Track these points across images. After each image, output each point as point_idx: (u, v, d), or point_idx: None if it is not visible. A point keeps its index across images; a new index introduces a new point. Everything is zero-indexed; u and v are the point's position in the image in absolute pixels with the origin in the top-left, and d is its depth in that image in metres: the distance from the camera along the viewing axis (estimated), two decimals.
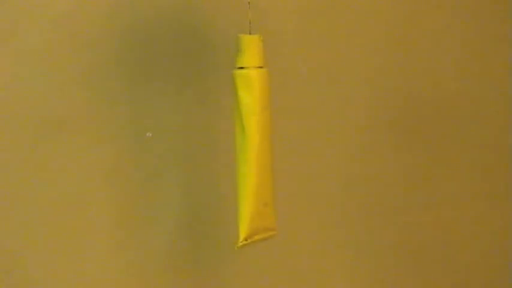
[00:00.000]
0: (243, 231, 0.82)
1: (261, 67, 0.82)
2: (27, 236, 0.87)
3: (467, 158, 1.18)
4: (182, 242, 0.95)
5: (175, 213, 0.95)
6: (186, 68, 0.94)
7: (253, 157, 0.81)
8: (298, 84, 1.03)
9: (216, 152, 0.96)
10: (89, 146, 0.89)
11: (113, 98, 0.90)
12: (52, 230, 0.88)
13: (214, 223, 0.97)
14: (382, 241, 1.11)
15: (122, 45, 0.90)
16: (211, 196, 0.97)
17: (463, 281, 1.18)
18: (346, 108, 1.07)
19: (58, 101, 0.88)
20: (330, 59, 1.05)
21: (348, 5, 1.06)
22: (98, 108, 0.89)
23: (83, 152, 0.89)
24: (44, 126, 0.87)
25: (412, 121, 1.12)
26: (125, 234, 0.92)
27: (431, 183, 1.15)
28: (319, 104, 1.05)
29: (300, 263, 1.05)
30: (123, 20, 0.90)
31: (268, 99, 0.82)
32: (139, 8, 0.91)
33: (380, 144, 1.10)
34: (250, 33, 0.82)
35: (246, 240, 0.82)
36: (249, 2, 0.83)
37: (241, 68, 0.81)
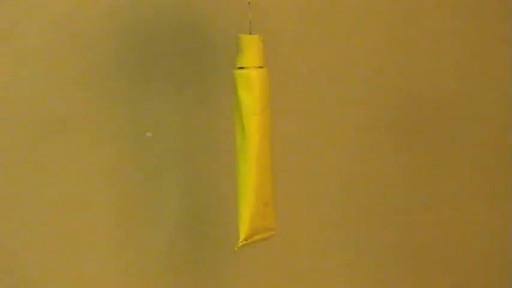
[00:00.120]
0: (243, 232, 0.82)
1: (261, 67, 0.82)
2: (27, 236, 0.87)
3: (467, 158, 1.18)
4: (182, 242, 0.95)
5: (175, 213, 0.95)
6: (186, 68, 0.94)
7: (253, 157, 0.81)
8: (298, 84, 1.03)
9: (216, 152, 0.96)
10: (89, 146, 0.89)
11: (113, 98, 0.90)
12: (52, 230, 0.88)
13: (214, 223, 0.97)
14: (382, 241, 1.11)
15: (122, 45, 0.90)
16: (211, 196, 0.97)
17: (463, 281, 1.18)
18: (346, 108, 1.07)
19: (58, 101, 0.88)
20: (330, 59, 1.05)
21: (348, 5, 1.06)
22: (98, 108, 0.89)
23: (83, 152, 0.89)
24: (44, 126, 0.87)
25: (412, 121, 1.12)
26: (125, 234, 0.92)
27: (431, 183, 1.15)
28: (319, 104, 1.05)
29: (300, 263, 1.05)
30: (123, 20, 0.90)
31: (268, 99, 0.82)
32: (139, 8, 0.91)
33: (380, 144, 1.10)
34: (250, 33, 0.82)
35: (246, 240, 0.82)
36: (249, 2, 0.83)
37: (242, 68, 0.81)
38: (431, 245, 1.15)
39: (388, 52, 1.10)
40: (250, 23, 0.83)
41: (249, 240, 0.82)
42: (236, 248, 0.82)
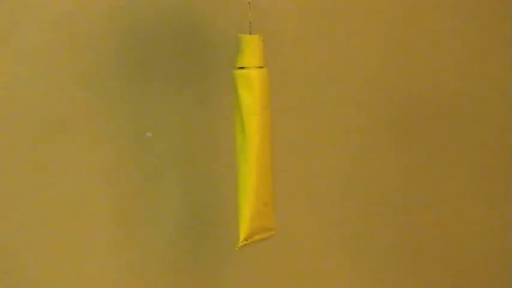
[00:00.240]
0: (243, 232, 0.82)
1: (261, 67, 0.82)
2: (27, 236, 0.87)
3: (467, 158, 1.18)
4: (182, 242, 0.95)
5: (175, 213, 0.95)
6: (186, 68, 0.94)
7: (253, 157, 0.81)
8: (298, 84, 1.03)
9: (216, 152, 0.96)
10: (89, 146, 0.89)
11: (113, 98, 0.90)
12: (52, 230, 0.88)
13: (214, 223, 0.97)
14: (382, 241, 1.11)
15: (121, 45, 0.90)
16: (211, 196, 0.97)
17: (463, 281, 1.18)
18: (346, 108, 1.07)
19: (58, 101, 0.88)
20: (330, 59, 1.05)
21: (348, 5, 1.06)
22: (98, 108, 0.89)
23: (83, 152, 0.89)
24: (44, 126, 0.87)
25: (412, 121, 1.12)
26: (125, 234, 0.92)
27: (431, 183, 1.15)
28: (319, 104, 1.05)
29: (300, 263, 1.05)
30: (123, 20, 0.90)
31: (268, 99, 0.82)
32: (139, 8, 0.91)
33: (380, 144, 1.10)
34: (250, 33, 0.82)
35: (246, 240, 0.82)
36: (249, 2, 0.83)
37: (242, 68, 0.81)
38: (431, 245, 1.15)
39: (388, 52, 1.10)
40: (250, 23, 0.83)
41: (249, 240, 0.82)
42: (236, 248, 0.82)
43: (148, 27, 0.92)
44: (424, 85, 1.13)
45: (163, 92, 0.93)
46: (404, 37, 1.11)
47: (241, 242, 0.82)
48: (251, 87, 0.81)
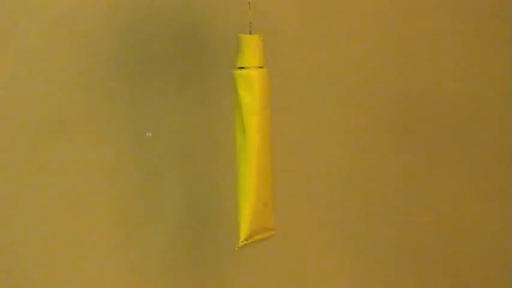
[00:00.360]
0: (243, 232, 0.82)
1: (261, 67, 0.82)
2: (27, 236, 0.87)
3: (467, 158, 1.18)
4: (182, 242, 0.95)
5: (175, 213, 0.95)
6: (186, 68, 0.94)
7: (253, 157, 0.81)
8: (298, 84, 1.03)
9: (216, 152, 0.96)
10: (89, 146, 0.89)
11: (113, 98, 0.90)
12: (52, 230, 0.88)
13: (214, 223, 0.97)
14: (382, 241, 1.11)
15: (121, 45, 0.90)
16: (211, 196, 0.97)
17: (463, 281, 1.18)
18: (346, 108, 1.07)
19: (58, 101, 0.88)
20: (330, 59, 1.05)
21: (347, 5, 1.06)
22: (98, 108, 0.89)
23: (83, 152, 0.89)
24: (44, 126, 0.87)
25: (412, 121, 1.12)
26: (125, 234, 0.92)
27: (431, 183, 1.15)
28: (319, 104, 1.05)
29: (300, 263, 1.05)
30: (123, 20, 0.90)
31: (268, 99, 0.82)
32: (139, 8, 0.91)
33: (380, 144, 1.10)
34: (250, 33, 0.82)
35: (246, 240, 0.82)
36: (249, 2, 0.83)
37: (242, 67, 0.81)
38: (431, 245, 1.15)
39: (388, 52, 1.10)
40: (250, 23, 0.83)
41: (249, 240, 0.82)
42: (236, 248, 0.82)
43: (148, 27, 0.92)
44: (424, 85, 1.13)
45: (163, 92, 0.93)
46: (404, 37, 1.11)
47: (242, 242, 0.82)
48: (251, 87, 0.81)
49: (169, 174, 0.94)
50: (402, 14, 1.11)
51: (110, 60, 0.90)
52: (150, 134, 0.92)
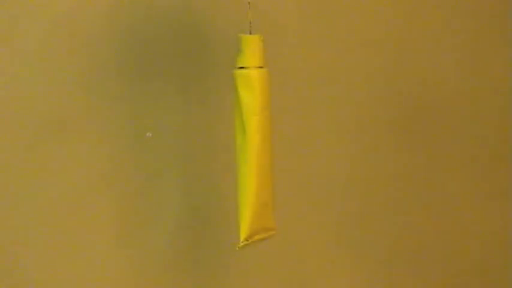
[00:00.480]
0: (243, 232, 0.82)
1: (261, 67, 0.82)
2: (27, 236, 0.87)
3: (467, 157, 1.18)
4: (182, 242, 0.95)
5: (175, 213, 0.95)
6: (186, 68, 0.94)
7: (253, 157, 0.81)
8: (298, 84, 1.03)
9: (216, 152, 0.96)
10: (89, 146, 0.89)
11: (113, 98, 0.90)
12: (52, 230, 0.88)
13: (214, 223, 0.97)
14: (382, 241, 1.11)
15: (121, 45, 0.90)
16: (211, 196, 0.97)
17: (463, 281, 1.18)
18: (346, 108, 1.07)
19: (58, 101, 0.88)
20: (330, 59, 1.05)
21: (348, 5, 1.06)
22: (98, 108, 0.89)
23: (82, 152, 0.89)
24: (44, 126, 0.87)
25: (412, 121, 1.12)
26: (125, 234, 0.92)
27: (431, 183, 1.15)
28: (319, 104, 1.05)
29: (300, 263, 1.05)
30: (123, 20, 0.90)
31: (268, 99, 0.82)
32: (139, 8, 0.91)
33: (380, 144, 1.10)
34: (250, 33, 0.82)
35: (246, 240, 0.82)
36: (249, 2, 0.83)
37: (242, 67, 0.81)
38: (431, 245, 1.15)
39: (388, 52, 1.10)
40: (250, 23, 0.83)
41: (250, 241, 0.82)
42: (237, 248, 0.82)
43: (148, 27, 0.92)
44: (424, 85, 1.13)
45: (163, 92, 0.93)
46: (404, 37, 1.11)
47: (242, 242, 0.82)
48: (251, 87, 0.81)
49: (169, 174, 0.94)
50: (402, 14, 1.11)
51: (110, 60, 0.90)
52: (150, 134, 0.92)
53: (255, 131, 0.81)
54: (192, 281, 0.96)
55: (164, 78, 0.93)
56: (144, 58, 0.92)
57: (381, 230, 1.11)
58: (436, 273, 1.16)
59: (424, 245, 1.15)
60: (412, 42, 1.12)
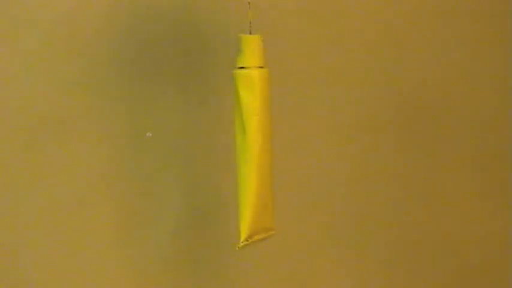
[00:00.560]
0: (243, 232, 0.82)
1: (261, 67, 0.82)
2: (27, 236, 0.87)
3: (467, 157, 1.18)
4: (182, 242, 0.95)
5: (175, 213, 0.95)
6: (186, 68, 0.94)
7: (253, 157, 0.81)
8: (298, 84, 1.03)
9: (216, 152, 0.96)
10: (89, 146, 0.89)
11: (113, 98, 0.90)
12: (52, 230, 0.88)
13: (214, 223, 0.97)
14: (382, 241, 1.11)
15: (121, 45, 0.90)
16: (211, 196, 0.97)
17: (463, 281, 1.18)
18: (346, 108, 1.07)
19: (58, 101, 0.88)
20: (330, 59, 1.05)
21: (347, 5, 1.06)
22: (97, 108, 0.89)
23: (82, 151, 0.89)
24: (43, 126, 0.87)
25: (412, 121, 1.12)
26: (125, 235, 0.92)
27: (431, 183, 1.15)
28: (319, 104, 1.05)
29: (300, 263, 1.05)
30: (123, 20, 0.90)
31: (269, 99, 0.82)
32: (139, 8, 0.91)
33: (380, 144, 1.10)
34: (250, 33, 0.82)
35: (246, 240, 0.82)
36: (249, 2, 0.83)
37: (242, 67, 0.81)
38: (431, 244, 1.15)
39: (388, 52, 1.10)
40: (250, 23, 0.83)
41: (250, 241, 0.82)
42: (237, 248, 0.82)
43: (149, 27, 0.92)
44: (424, 85, 1.13)
45: (163, 92, 0.93)
46: (404, 37, 1.11)
47: (242, 242, 0.82)
48: (251, 87, 0.81)
49: (169, 174, 0.94)
50: (402, 14, 1.11)
51: (110, 60, 0.90)
52: (150, 134, 0.92)
53: (255, 131, 0.81)
54: (192, 281, 0.96)
55: (164, 78, 0.93)
56: (144, 58, 0.92)
57: (381, 230, 1.11)
58: (436, 273, 1.16)
59: (424, 245, 1.15)
60: (412, 42, 1.12)
